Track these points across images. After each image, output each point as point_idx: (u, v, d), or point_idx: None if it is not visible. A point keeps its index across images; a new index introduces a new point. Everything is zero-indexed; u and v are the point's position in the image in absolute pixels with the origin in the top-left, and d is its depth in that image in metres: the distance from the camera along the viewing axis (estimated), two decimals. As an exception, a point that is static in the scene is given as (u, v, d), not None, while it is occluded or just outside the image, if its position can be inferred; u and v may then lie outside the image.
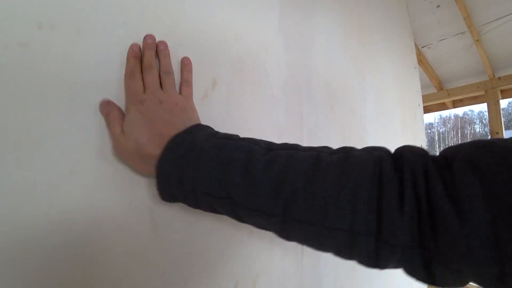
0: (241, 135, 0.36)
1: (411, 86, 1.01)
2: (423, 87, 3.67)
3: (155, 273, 0.36)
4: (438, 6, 2.75)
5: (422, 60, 3.34)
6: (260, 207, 0.29)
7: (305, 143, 0.40)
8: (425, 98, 3.92)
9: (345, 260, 0.30)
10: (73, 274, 0.30)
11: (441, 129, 28.93)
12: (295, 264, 0.53)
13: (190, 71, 0.42)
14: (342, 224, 0.26)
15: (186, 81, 0.41)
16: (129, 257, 0.34)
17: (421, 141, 0.99)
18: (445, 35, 3.06)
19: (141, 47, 0.38)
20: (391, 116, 0.84)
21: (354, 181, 0.27)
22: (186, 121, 0.36)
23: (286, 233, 0.31)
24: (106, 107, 0.35)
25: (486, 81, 3.41)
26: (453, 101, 3.96)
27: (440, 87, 3.72)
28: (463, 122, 27.99)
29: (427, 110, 4.38)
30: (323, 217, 0.27)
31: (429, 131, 27.68)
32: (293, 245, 0.53)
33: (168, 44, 0.40)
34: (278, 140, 0.36)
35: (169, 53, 0.40)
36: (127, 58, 0.37)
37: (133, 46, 0.37)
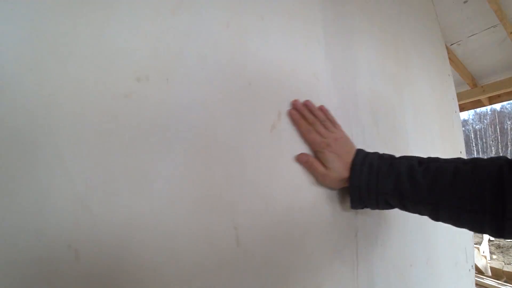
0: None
1: (447, 94, 1.04)
2: (457, 85, 3.59)
3: (240, 279, 0.44)
4: (465, 2, 2.69)
5: (451, 58, 3.26)
6: (421, 199, 0.47)
7: None
8: (458, 96, 3.78)
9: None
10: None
11: (477, 126, 27.28)
12: (351, 271, 0.59)
13: (329, 112, 0.59)
14: (477, 207, 0.41)
15: (331, 120, 0.58)
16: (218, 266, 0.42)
17: (460, 148, 1.02)
18: (475, 30, 2.98)
19: (298, 108, 0.54)
20: (430, 126, 0.88)
21: (483, 180, 0.41)
22: (353, 147, 0.56)
23: (436, 215, 0.47)
24: (304, 156, 0.54)
25: (524, 75, 3.26)
26: (489, 97, 3.81)
27: (474, 84, 3.60)
28: (502, 117, 26.16)
29: (461, 108, 4.22)
30: (464, 203, 0.42)
31: (464, 129, 26.17)
32: (349, 257, 0.59)
33: (240, 83, 0.49)
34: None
35: (315, 107, 0.56)
36: (296, 121, 0.54)
37: (292, 115, 0.54)
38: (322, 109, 0.58)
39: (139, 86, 0.41)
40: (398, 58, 0.83)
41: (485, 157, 0.46)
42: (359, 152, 0.55)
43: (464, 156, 1.05)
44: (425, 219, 0.51)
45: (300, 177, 0.54)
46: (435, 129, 0.89)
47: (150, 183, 0.39)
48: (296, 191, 0.53)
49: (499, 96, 3.77)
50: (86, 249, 0.35)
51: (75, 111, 0.37)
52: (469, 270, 1.01)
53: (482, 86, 3.58)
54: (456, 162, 0.47)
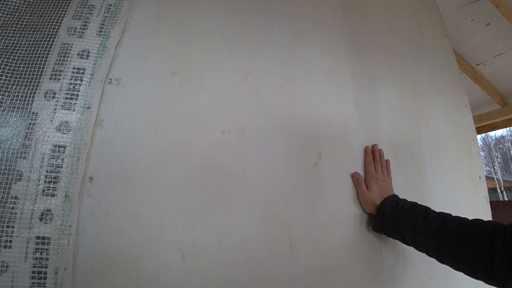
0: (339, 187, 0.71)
1: (464, 124, 1.16)
2: (485, 104, 3.62)
3: (292, 278, 0.60)
4: (487, 24, 2.77)
5: (478, 78, 3.29)
6: (429, 233, 0.58)
7: None
8: (488, 115, 3.78)
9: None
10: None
11: (508, 146, 25.72)
12: (377, 277, 0.73)
13: (389, 165, 0.80)
14: (473, 249, 0.52)
15: (388, 169, 0.78)
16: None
17: (479, 173, 1.12)
18: (500, 50, 3.02)
19: (373, 149, 0.77)
20: (447, 154, 1.00)
21: (481, 231, 0.53)
22: (391, 190, 0.74)
23: (439, 251, 0.58)
24: (357, 174, 0.74)
25: (557, 92, 3.22)
26: (523, 115, 3.74)
27: (504, 102, 3.57)
28: (542, 130, 24.51)
29: (492, 127, 4.16)
30: (463, 244, 0.54)
31: (500, 146, 24.84)
32: (375, 265, 0.73)
33: (290, 130, 0.67)
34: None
35: (383, 155, 0.78)
36: (366, 152, 0.77)
37: (367, 149, 0.77)
38: (387, 161, 0.80)
39: (224, 138, 0.60)
40: (415, 96, 0.97)
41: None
42: (394, 195, 0.72)
43: (484, 177, 1.15)
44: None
45: (337, 201, 0.70)
46: (452, 157, 1.01)
47: (232, 207, 0.57)
48: (334, 212, 0.69)
49: (531, 113, 3.70)
50: (189, 252, 0.53)
51: (183, 155, 0.56)
52: None
53: (511, 105, 3.55)
54: (463, 218, 0.59)
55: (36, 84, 0.54)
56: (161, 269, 0.50)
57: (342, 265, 0.67)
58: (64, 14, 0.61)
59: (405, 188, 0.84)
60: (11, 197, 0.47)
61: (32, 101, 0.53)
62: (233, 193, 0.57)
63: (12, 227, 0.46)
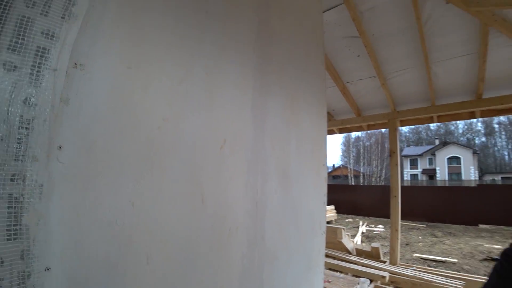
0: (235, 163, 0.96)
1: (321, 128, 1.66)
2: (347, 112, 4.62)
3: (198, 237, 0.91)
4: (358, 56, 3.62)
5: (346, 93, 4.24)
6: None
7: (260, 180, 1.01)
8: (347, 121, 4.88)
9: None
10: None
11: (367, 143, 32.70)
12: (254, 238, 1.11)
13: None
14: None
15: None
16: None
17: (323, 161, 1.65)
18: (362, 76, 3.98)
19: None
20: (306, 148, 1.47)
21: None
22: None
23: None
24: None
25: (389, 112, 4.44)
26: (368, 124, 4.99)
27: (359, 113, 4.69)
28: (384, 138, 31.92)
29: (349, 130, 5.42)
30: None
31: (356, 144, 31.44)
32: (253, 212, 1.11)
33: (207, 121, 0.95)
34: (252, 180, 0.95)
35: None
36: None
37: None
38: None
39: (164, 123, 0.83)
40: (293, 108, 1.39)
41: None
42: None
43: (326, 165, 1.68)
44: (297, 205, 1.06)
45: (234, 172, 1.03)
46: (310, 150, 1.50)
47: (167, 172, 0.82)
48: (232, 178, 1.01)
49: (374, 125, 4.98)
50: (138, 202, 0.77)
51: (134, 134, 0.78)
52: (322, 234, 1.64)
53: (363, 116, 4.70)
54: None
55: None
56: (118, 215, 0.71)
57: (234, 211, 1.01)
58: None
59: (276, 167, 1.25)
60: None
61: None
62: (168, 163, 0.82)
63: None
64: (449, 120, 4.62)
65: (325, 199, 1.62)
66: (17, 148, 0.61)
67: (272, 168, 1.21)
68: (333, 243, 5.16)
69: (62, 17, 0.72)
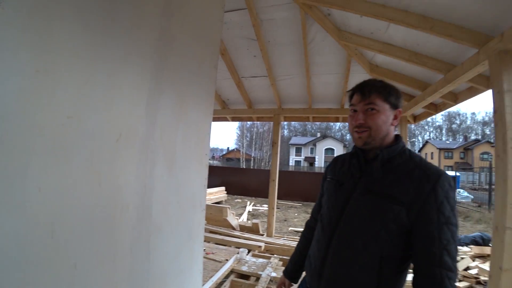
0: (126, 152, 1.19)
1: (206, 121, 1.95)
2: (240, 103, 5.07)
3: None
4: (254, 56, 4.06)
5: (240, 86, 4.68)
6: None
7: (149, 167, 1.26)
8: (240, 111, 5.37)
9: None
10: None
11: (260, 129, 35.25)
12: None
13: None
14: None
15: None
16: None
17: (206, 151, 1.98)
18: (256, 74, 4.47)
19: None
20: (191, 139, 1.78)
21: None
22: None
23: None
24: None
25: (275, 108, 5.12)
26: (257, 116, 5.61)
27: (250, 105, 5.23)
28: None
29: (240, 119, 5.97)
30: None
31: (251, 129, 33.71)
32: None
33: (109, 118, 1.13)
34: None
35: None
36: None
37: None
38: None
39: (68, 121, 0.98)
40: (182, 105, 1.64)
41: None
42: None
43: (208, 154, 2.00)
44: (180, 187, 1.34)
45: (123, 162, 1.23)
46: (194, 142, 1.79)
47: (70, 159, 0.98)
48: (124, 167, 1.22)
49: (262, 117, 5.64)
50: (34, 204, 0.91)
51: (42, 129, 0.91)
52: (202, 210, 1.97)
53: (253, 109, 5.27)
54: None
55: None
56: (26, 198, 0.85)
57: (126, 192, 1.22)
58: None
59: (164, 156, 1.50)
60: None
61: None
62: (71, 154, 0.97)
63: None
64: (321, 121, 5.67)
65: (205, 182, 1.95)
66: None
67: (161, 156, 1.46)
68: (220, 220, 5.70)
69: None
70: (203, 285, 2.97)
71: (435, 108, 4.36)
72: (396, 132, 1.08)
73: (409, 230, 0.92)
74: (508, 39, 2.05)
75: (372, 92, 1.01)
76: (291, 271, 1.34)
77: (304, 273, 1.24)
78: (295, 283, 1.34)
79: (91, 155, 1.05)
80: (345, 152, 1.22)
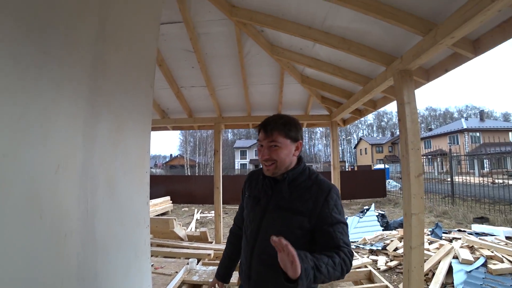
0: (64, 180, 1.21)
1: (144, 134, 2.01)
2: (180, 112, 5.07)
3: None
4: (193, 67, 4.13)
5: (179, 96, 4.71)
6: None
7: (90, 192, 1.29)
8: (181, 120, 5.36)
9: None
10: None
11: (204, 134, 35.00)
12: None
13: None
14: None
15: None
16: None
17: (146, 168, 2.02)
18: (195, 84, 4.54)
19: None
20: (130, 161, 1.81)
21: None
22: None
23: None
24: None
25: (216, 117, 5.25)
26: (198, 125, 5.66)
27: (190, 114, 5.27)
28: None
29: (181, 128, 5.97)
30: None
31: (194, 134, 33.36)
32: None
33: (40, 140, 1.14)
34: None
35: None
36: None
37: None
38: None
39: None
40: (119, 129, 1.68)
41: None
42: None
43: (148, 169, 2.05)
44: (123, 207, 1.38)
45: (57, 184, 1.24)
46: (133, 163, 1.83)
47: (2, 211, 0.98)
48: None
49: (204, 126, 5.71)
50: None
51: None
52: (146, 227, 1.99)
53: (194, 118, 5.33)
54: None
55: None
56: None
57: (68, 220, 1.23)
58: None
59: (105, 180, 1.52)
60: None
61: None
62: (10, 191, 0.97)
63: None
64: (261, 127, 5.91)
65: (147, 199, 2.00)
66: None
67: (101, 181, 1.48)
68: (167, 233, 5.61)
69: None
70: (153, 300, 2.95)
71: (359, 113, 4.92)
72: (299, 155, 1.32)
73: (312, 231, 1.18)
74: (406, 61, 2.49)
75: (274, 130, 1.21)
76: (222, 274, 1.57)
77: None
78: (227, 283, 1.58)
79: (30, 190, 1.05)
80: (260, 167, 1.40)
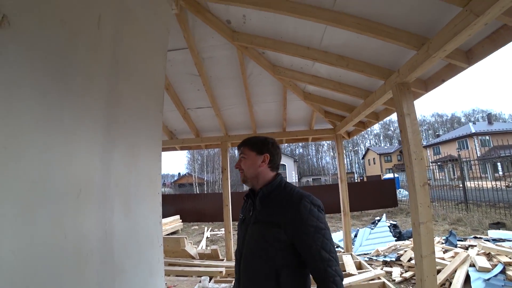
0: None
1: (156, 155, 2.13)
2: (187, 132, 5.22)
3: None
4: (198, 90, 4.30)
5: (186, 117, 4.87)
6: None
7: (108, 214, 1.40)
8: (188, 140, 5.50)
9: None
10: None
11: (211, 152, 35.34)
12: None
13: None
14: None
15: None
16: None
17: (158, 190, 2.12)
18: (201, 105, 4.70)
19: None
20: (143, 183, 1.92)
21: None
22: None
23: None
24: None
25: (222, 136, 5.38)
26: (205, 144, 5.79)
27: (198, 134, 5.42)
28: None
29: (189, 148, 6.10)
30: None
31: (201, 152, 33.65)
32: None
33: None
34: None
35: None
36: None
37: None
38: None
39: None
40: (133, 154, 1.80)
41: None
42: None
43: (160, 191, 2.15)
44: (138, 227, 1.47)
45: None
46: (146, 185, 1.94)
47: (32, 234, 1.08)
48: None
49: (210, 144, 5.84)
50: (6, 268, 1.00)
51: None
52: (160, 246, 2.08)
53: (201, 138, 5.46)
54: None
55: None
56: (2, 261, 0.94)
57: (89, 240, 1.32)
58: None
59: (120, 202, 1.62)
60: None
61: None
62: (38, 214, 1.08)
63: None
64: (266, 143, 6.03)
65: (160, 219, 2.09)
66: None
67: (117, 203, 1.58)
68: (178, 251, 5.64)
69: None
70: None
71: (363, 125, 5.00)
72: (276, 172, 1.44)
73: (292, 243, 1.20)
74: (403, 74, 2.59)
75: (243, 145, 1.44)
76: None
77: None
78: None
79: (55, 212, 1.16)
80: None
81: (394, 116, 3.42)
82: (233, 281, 1.55)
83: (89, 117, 1.42)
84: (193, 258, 5.66)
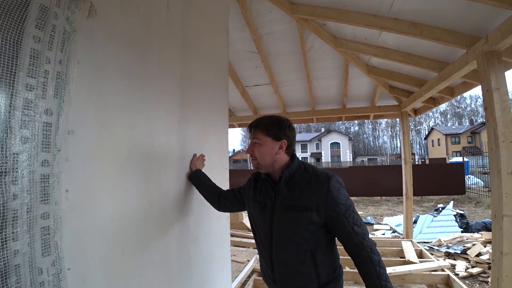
0: (169, 177, 1.44)
1: (223, 137, 2.21)
2: (245, 110, 5.30)
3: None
4: (256, 67, 4.29)
5: (245, 95, 4.92)
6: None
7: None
8: (246, 117, 5.59)
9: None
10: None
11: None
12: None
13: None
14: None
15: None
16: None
17: (226, 165, 2.22)
18: (259, 82, 4.70)
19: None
20: (214, 149, 2.02)
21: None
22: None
23: None
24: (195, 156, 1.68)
25: (280, 113, 5.35)
26: (263, 122, 5.84)
27: (255, 112, 5.47)
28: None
29: (246, 125, 6.19)
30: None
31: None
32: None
33: (150, 149, 1.36)
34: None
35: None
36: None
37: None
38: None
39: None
40: (203, 130, 1.89)
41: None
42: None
43: (227, 167, 2.25)
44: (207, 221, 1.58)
45: (166, 184, 1.47)
46: (216, 159, 2.03)
47: (126, 204, 1.22)
48: (164, 185, 1.45)
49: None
50: (115, 227, 1.15)
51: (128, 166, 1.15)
52: (227, 219, 2.21)
53: (259, 115, 5.50)
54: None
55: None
56: (105, 228, 1.09)
57: (170, 211, 1.46)
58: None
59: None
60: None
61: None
62: (129, 187, 1.20)
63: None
64: (324, 121, 5.88)
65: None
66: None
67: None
68: (236, 224, 5.98)
69: (55, 96, 1.01)
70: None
71: (434, 101, 4.54)
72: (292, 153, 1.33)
73: (325, 223, 1.21)
74: (492, 41, 2.23)
75: (256, 128, 1.29)
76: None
77: None
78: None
79: (144, 186, 1.30)
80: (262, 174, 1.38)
81: (471, 91, 3.01)
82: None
83: (165, 97, 1.51)
84: (249, 230, 5.94)
